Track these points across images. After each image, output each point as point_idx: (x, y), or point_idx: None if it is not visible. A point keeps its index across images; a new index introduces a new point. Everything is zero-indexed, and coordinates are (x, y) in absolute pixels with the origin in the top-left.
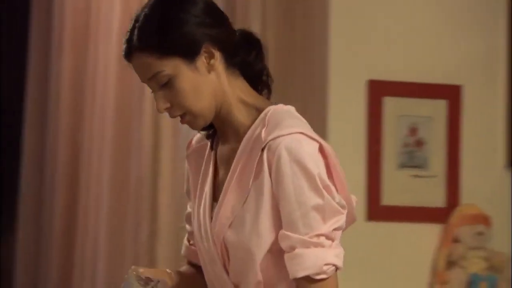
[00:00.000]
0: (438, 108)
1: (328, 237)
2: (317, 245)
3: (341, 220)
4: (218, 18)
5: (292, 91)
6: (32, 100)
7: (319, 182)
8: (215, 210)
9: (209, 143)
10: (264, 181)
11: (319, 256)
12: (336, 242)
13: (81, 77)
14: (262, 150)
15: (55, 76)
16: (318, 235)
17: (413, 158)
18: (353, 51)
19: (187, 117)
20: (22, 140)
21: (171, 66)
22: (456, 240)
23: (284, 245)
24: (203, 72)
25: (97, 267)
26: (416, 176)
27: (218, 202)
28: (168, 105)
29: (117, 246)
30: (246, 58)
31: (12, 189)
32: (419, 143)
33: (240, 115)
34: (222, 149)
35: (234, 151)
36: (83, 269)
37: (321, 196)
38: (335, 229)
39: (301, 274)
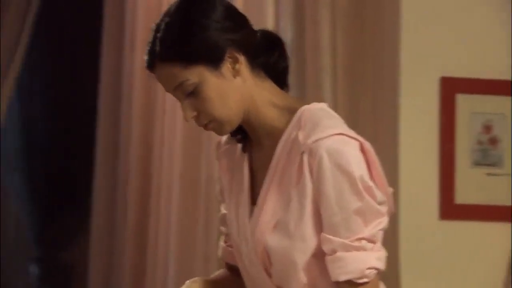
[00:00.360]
0: None
1: (369, 240)
2: (359, 248)
3: (383, 222)
4: (238, 21)
5: (362, 89)
6: (105, 100)
7: (360, 185)
8: (254, 213)
9: (239, 145)
10: (306, 185)
11: (361, 260)
12: (378, 244)
13: (153, 77)
14: (302, 153)
15: (128, 77)
16: (360, 239)
17: (487, 156)
18: (425, 48)
19: (212, 124)
20: (95, 141)
21: (196, 75)
22: None
23: (325, 248)
24: (228, 78)
25: (168, 268)
26: (491, 174)
27: (257, 205)
28: (195, 113)
29: (188, 247)
30: (269, 58)
31: (85, 189)
32: (493, 141)
33: (272, 117)
34: (257, 152)
35: (270, 155)
36: (155, 270)
37: (362, 199)
38: (377, 232)
39: (343, 278)
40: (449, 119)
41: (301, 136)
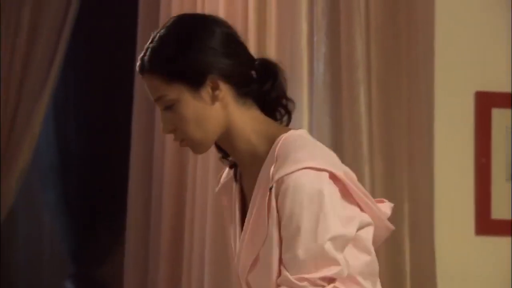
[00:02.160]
0: None
1: (312, 284)
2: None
3: (334, 270)
4: (232, 50)
5: (397, 104)
6: (138, 117)
7: (320, 225)
8: (238, 249)
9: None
10: (274, 220)
11: None
12: None
13: None
14: (270, 188)
15: None
16: (303, 279)
17: None
18: (459, 62)
19: (186, 142)
20: (129, 157)
21: (175, 92)
22: None
23: (278, 279)
24: (207, 102)
25: (203, 284)
26: None
27: (240, 241)
28: (172, 127)
29: (223, 264)
30: (262, 87)
31: (120, 206)
32: None
33: (254, 145)
34: (246, 180)
35: (255, 184)
36: (190, 286)
37: (315, 241)
38: (324, 278)
39: None
40: (484, 133)
41: (272, 170)
